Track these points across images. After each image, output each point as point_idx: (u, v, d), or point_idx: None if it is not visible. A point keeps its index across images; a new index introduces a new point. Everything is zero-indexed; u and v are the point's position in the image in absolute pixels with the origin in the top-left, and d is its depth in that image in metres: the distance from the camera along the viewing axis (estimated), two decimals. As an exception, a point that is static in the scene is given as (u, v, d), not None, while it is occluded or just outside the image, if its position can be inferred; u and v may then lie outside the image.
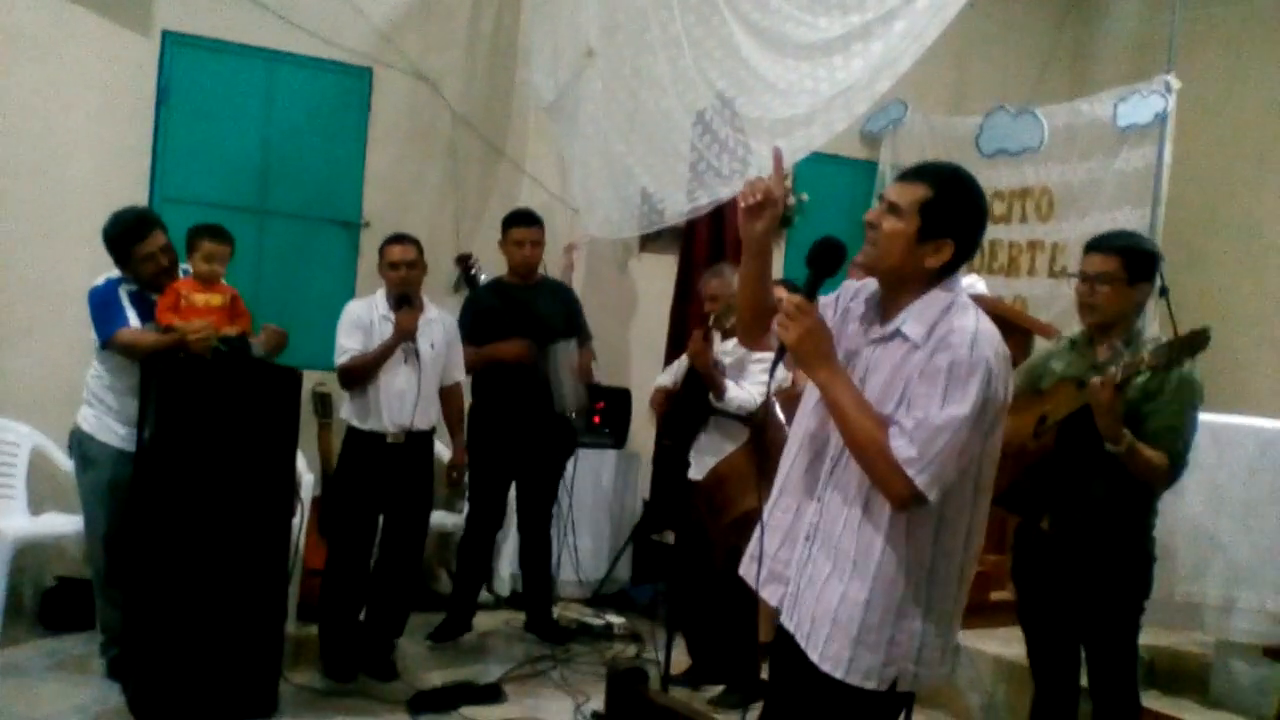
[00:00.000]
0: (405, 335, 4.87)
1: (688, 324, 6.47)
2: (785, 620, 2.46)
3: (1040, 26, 8.03)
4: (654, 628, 5.55)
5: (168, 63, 5.83)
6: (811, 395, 2.50)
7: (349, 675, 4.85)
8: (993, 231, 7.18)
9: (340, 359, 4.93)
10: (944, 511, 2.33)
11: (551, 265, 6.04)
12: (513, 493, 5.70)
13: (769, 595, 2.51)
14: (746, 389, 4.71)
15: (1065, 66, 8.05)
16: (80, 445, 4.54)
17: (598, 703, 4.45)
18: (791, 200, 7.30)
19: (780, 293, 2.48)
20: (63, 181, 5.59)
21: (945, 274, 2.38)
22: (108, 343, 4.37)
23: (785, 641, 2.46)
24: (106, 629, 4.61)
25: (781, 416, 4.49)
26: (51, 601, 5.28)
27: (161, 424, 4.19)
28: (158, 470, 4.19)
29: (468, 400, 5.46)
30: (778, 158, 2.51)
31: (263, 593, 4.31)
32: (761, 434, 4.63)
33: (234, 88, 6.00)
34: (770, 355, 2.53)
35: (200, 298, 4.40)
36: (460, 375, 5.24)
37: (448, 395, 5.17)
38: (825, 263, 2.41)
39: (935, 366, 2.26)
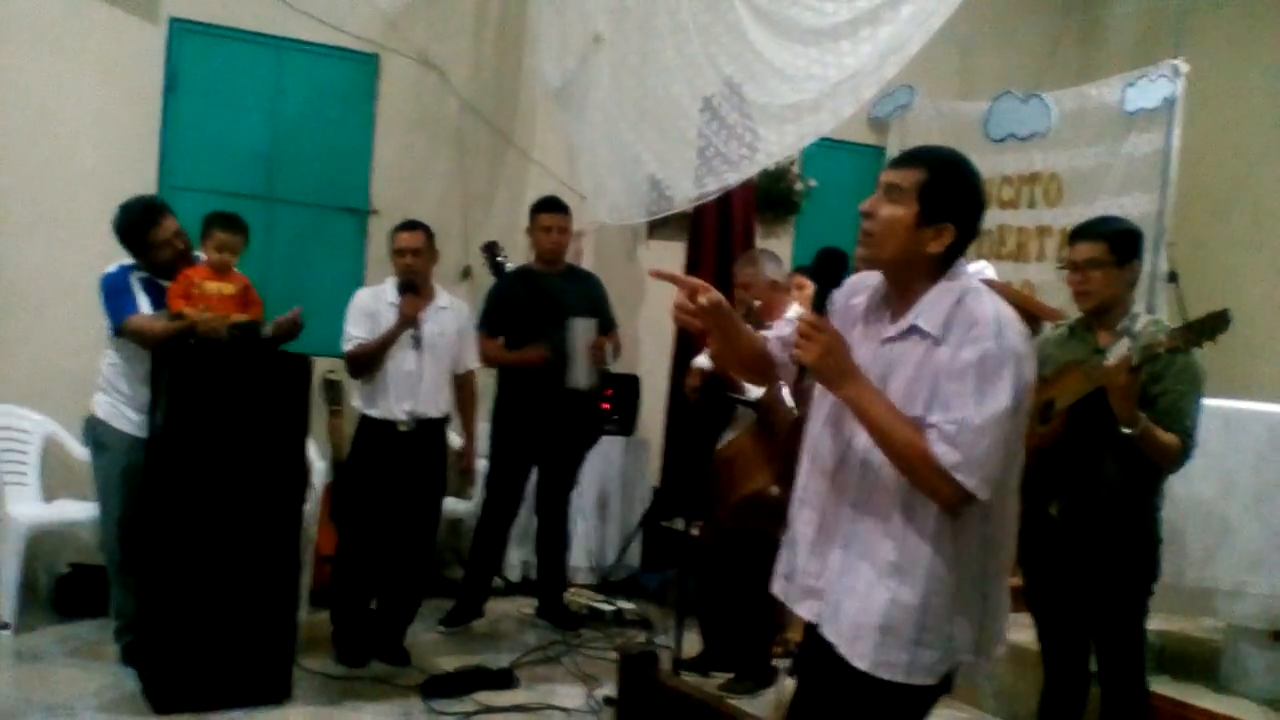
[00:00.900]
0: (409, 322, 4.88)
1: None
2: (827, 632, 2.37)
3: (1048, 10, 8.00)
4: (664, 613, 5.58)
5: (175, 50, 5.84)
6: (823, 403, 2.44)
7: (361, 661, 4.87)
8: (1001, 217, 7.17)
9: (347, 346, 4.94)
10: (989, 505, 2.28)
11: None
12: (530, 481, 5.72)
13: (804, 611, 2.44)
14: None
15: (1073, 51, 8.03)
16: (95, 432, 4.56)
17: (609, 687, 4.47)
18: (799, 186, 7.32)
19: (793, 304, 2.42)
20: (70, 169, 5.60)
21: (949, 261, 2.32)
22: (120, 329, 4.39)
23: (820, 651, 2.39)
24: (120, 615, 4.63)
25: (789, 399, 4.50)
26: (65, 588, 5.30)
27: (173, 411, 4.20)
28: (169, 457, 4.20)
29: (493, 390, 5.47)
30: (667, 276, 2.48)
31: (275, 579, 4.33)
32: (768, 415, 4.64)
33: (242, 75, 6.01)
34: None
35: (212, 286, 4.41)
36: (474, 363, 5.25)
37: (461, 383, 5.18)
38: (828, 274, 2.38)
39: (964, 361, 2.19)
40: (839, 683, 2.36)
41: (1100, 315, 3.47)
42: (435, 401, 5.00)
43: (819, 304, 2.34)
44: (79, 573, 5.33)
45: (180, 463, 4.18)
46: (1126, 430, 3.21)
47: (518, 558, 6.26)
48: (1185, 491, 3.96)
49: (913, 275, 2.32)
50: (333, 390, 5.77)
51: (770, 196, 7.18)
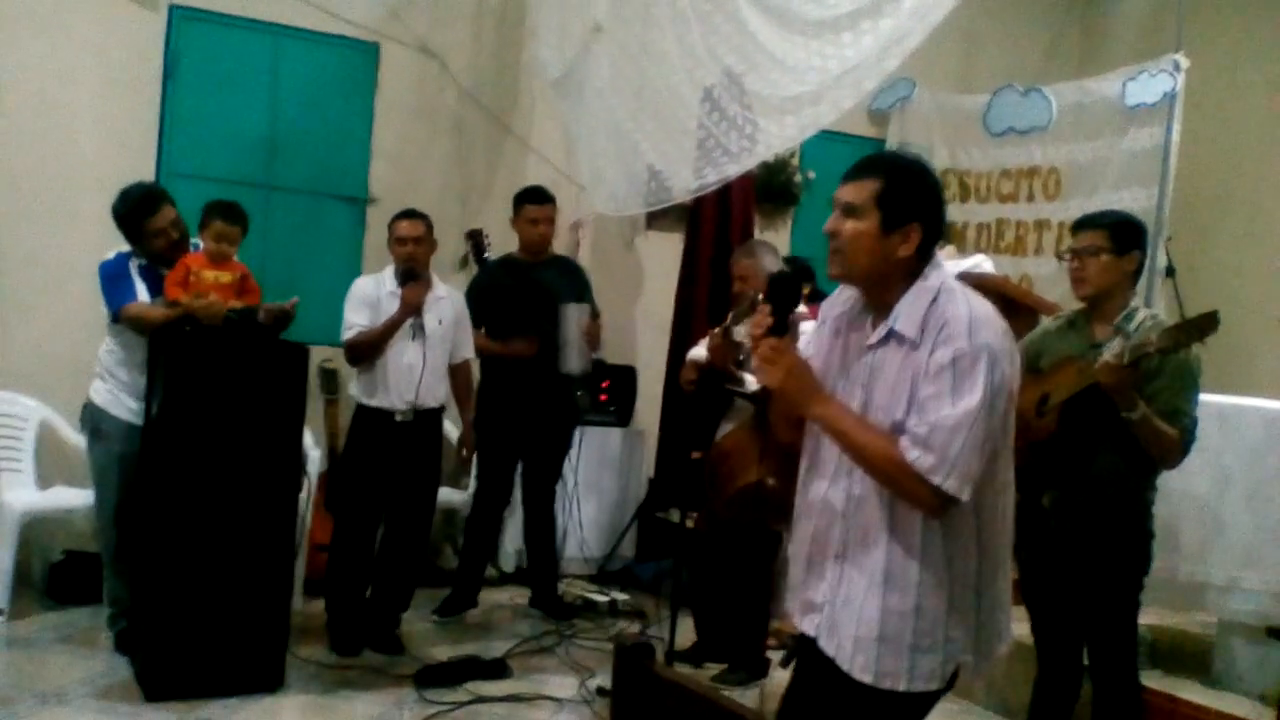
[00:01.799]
0: (411, 310, 4.87)
1: (695, 301, 6.48)
2: (826, 646, 2.37)
3: (1049, 4, 8.00)
4: (658, 604, 5.58)
5: (175, 37, 5.82)
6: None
7: (355, 650, 4.87)
8: (1000, 210, 7.18)
9: (347, 334, 4.93)
10: (980, 504, 2.28)
11: (558, 242, 6.03)
12: (518, 470, 5.71)
13: (806, 626, 2.44)
14: None
15: (1074, 45, 8.02)
16: (92, 419, 4.55)
17: (603, 678, 4.47)
18: (798, 178, 7.32)
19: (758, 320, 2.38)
20: (70, 156, 5.59)
21: (922, 260, 2.31)
22: (118, 316, 4.39)
23: (820, 664, 2.39)
24: (114, 602, 4.63)
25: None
26: (59, 575, 5.30)
27: (169, 398, 4.19)
28: (165, 444, 4.20)
29: (476, 379, 5.47)
30: None
31: (269, 568, 4.33)
32: (765, 409, 4.63)
33: (241, 63, 6.00)
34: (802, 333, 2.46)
35: (210, 274, 4.40)
36: (469, 353, 5.25)
37: (457, 373, 5.18)
38: (783, 296, 2.36)
39: (937, 363, 2.19)
40: (841, 695, 2.35)
41: (1098, 306, 3.47)
42: (434, 392, 5.00)
43: (781, 326, 2.32)
44: (73, 560, 5.33)
45: (176, 450, 4.17)
46: (1127, 415, 3.22)
47: (512, 548, 6.26)
48: (1180, 486, 3.95)
49: (889, 282, 2.32)
50: (329, 379, 5.76)
51: (769, 188, 7.17)
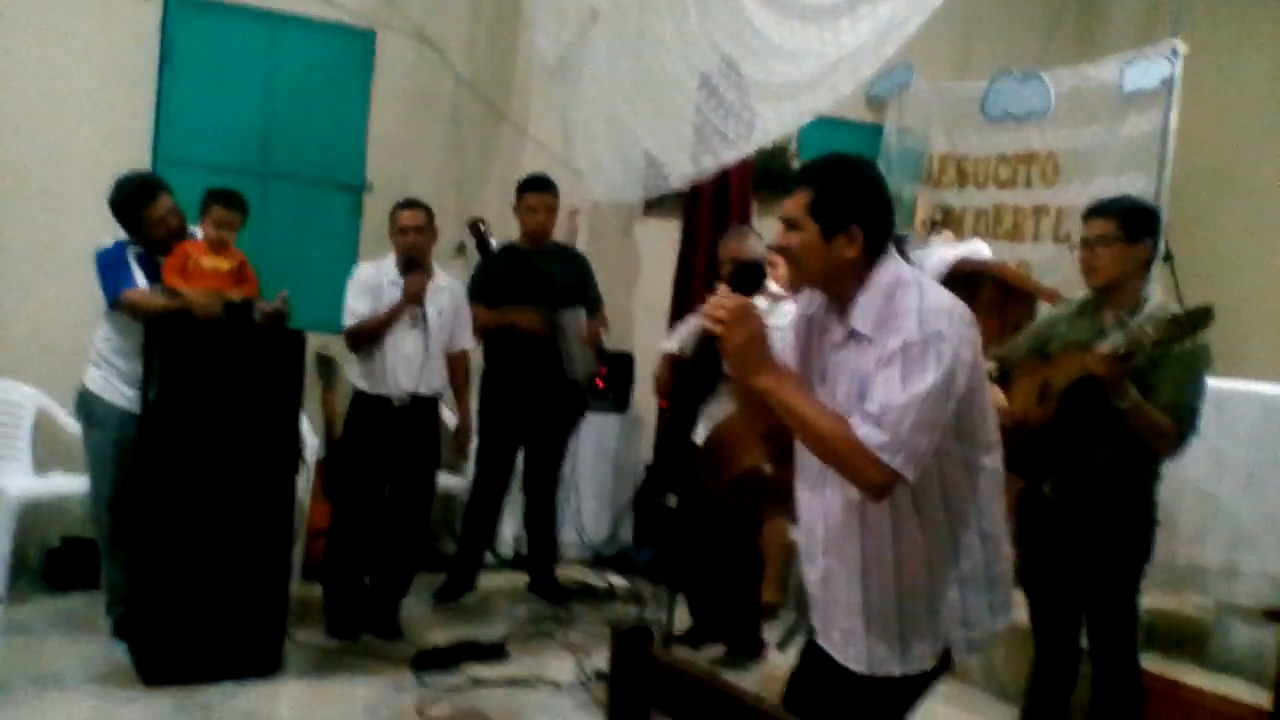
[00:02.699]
0: (413, 299, 4.87)
1: (692, 288, 6.47)
2: (823, 642, 2.43)
3: (1048, -9, 7.98)
4: (655, 589, 5.59)
5: (170, 25, 5.80)
6: None
7: (353, 634, 4.88)
8: (997, 196, 7.17)
9: (348, 321, 4.93)
10: (945, 483, 2.31)
11: (555, 229, 6.02)
12: (518, 456, 5.72)
13: (815, 622, 2.49)
14: None
15: (1072, 31, 7.99)
16: (87, 406, 4.55)
17: (600, 661, 4.48)
18: (796, 164, 7.30)
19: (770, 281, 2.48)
20: (66, 144, 5.58)
21: (874, 255, 2.33)
22: (115, 303, 4.38)
23: (821, 657, 2.45)
24: (112, 588, 4.63)
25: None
26: (56, 561, 5.31)
27: (166, 385, 4.20)
28: (162, 431, 4.20)
29: (479, 365, 5.47)
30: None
31: (267, 552, 4.34)
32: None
33: (237, 50, 5.97)
34: (788, 316, 2.51)
35: (208, 261, 4.40)
36: (468, 343, 5.25)
37: (454, 362, 5.17)
38: (745, 284, 2.46)
39: (889, 352, 2.21)
40: (842, 683, 2.40)
41: (1109, 293, 3.44)
42: (432, 381, 5.01)
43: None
44: (70, 546, 5.33)
45: (173, 437, 4.18)
46: (1118, 404, 3.21)
47: (510, 534, 6.27)
48: (1178, 470, 3.95)
49: (844, 282, 2.35)
50: (326, 366, 5.76)
51: (767, 174, 7.15)
